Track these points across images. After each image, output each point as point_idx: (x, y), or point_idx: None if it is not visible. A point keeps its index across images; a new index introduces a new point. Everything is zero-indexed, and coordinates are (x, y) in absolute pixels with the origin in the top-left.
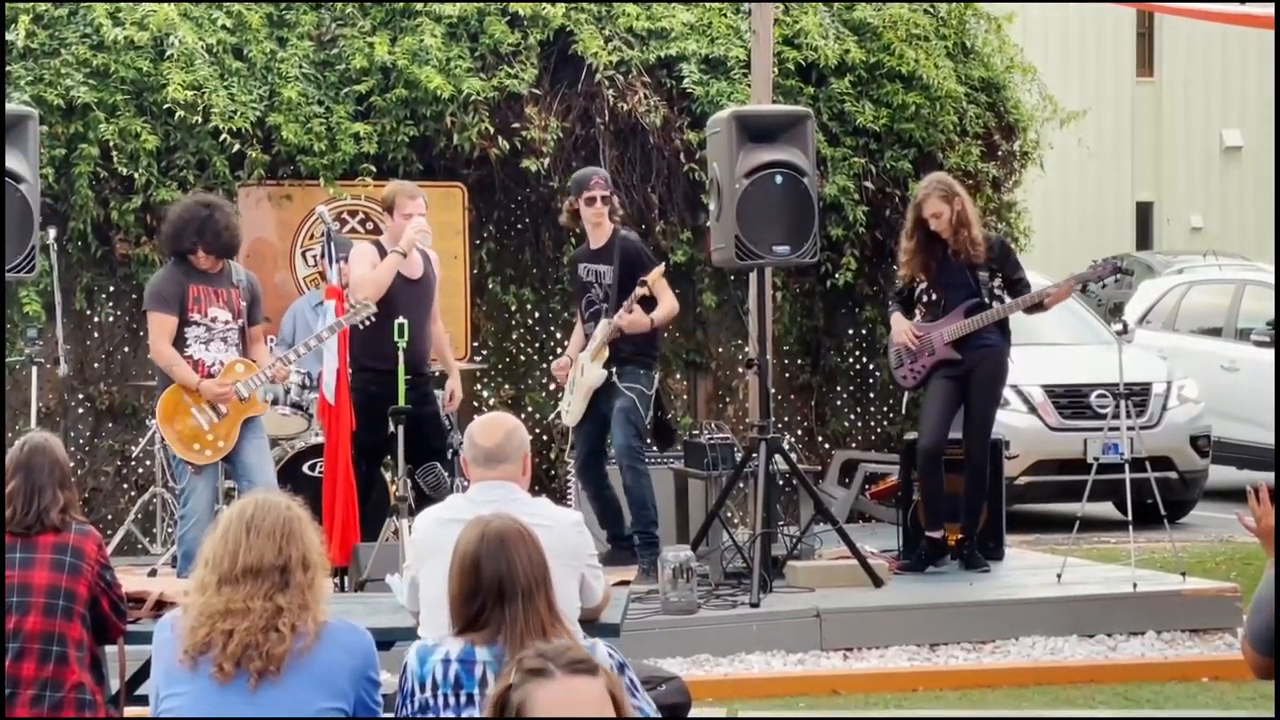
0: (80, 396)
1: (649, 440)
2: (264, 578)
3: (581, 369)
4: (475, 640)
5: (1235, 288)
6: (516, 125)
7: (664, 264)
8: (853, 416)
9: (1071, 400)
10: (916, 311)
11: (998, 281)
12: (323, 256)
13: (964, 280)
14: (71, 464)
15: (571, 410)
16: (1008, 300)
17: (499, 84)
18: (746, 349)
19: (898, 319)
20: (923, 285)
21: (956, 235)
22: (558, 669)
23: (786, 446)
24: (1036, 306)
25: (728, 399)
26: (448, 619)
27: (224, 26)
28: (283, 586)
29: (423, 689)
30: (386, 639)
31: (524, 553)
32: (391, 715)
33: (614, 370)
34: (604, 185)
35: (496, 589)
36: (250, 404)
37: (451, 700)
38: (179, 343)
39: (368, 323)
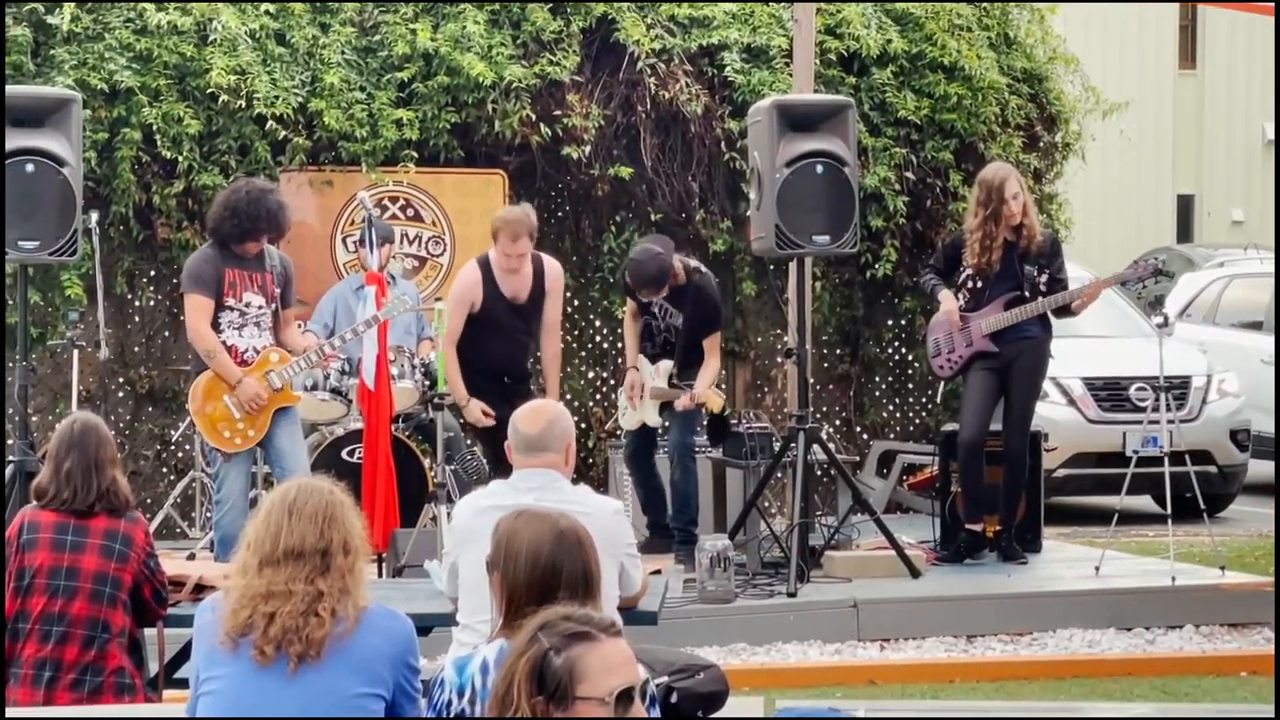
0: (120, 380)
1: (701, 431)
2: (305, 561)
3: (641, 393)
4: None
5: (1276, 282)
6: (558, 112)
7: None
8: (891, 407)
9: (1111, 393)
10: (960, 296)
11: (1044, 276)
12: (362, 243)
13: (1011, 271)
14: None
15: (627, 420)
16: (1044, 297)
17: (540, 71)
18: (785, 338)
19: (948, 297)
20: (969, 270)
21: (1024, 222)
22: (599, 631)
23: (825, 437)
24: (1065, 310)
25: (766, 388)
26: (486, 604)
27: (267, 12)
28: (324, 570)
29: (460, 698)
30: (425, 624)
31: (595, 556)
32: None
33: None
34: (656, 288)
35: (572, 588)
36: (283, 394)
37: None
38: (213, 327)
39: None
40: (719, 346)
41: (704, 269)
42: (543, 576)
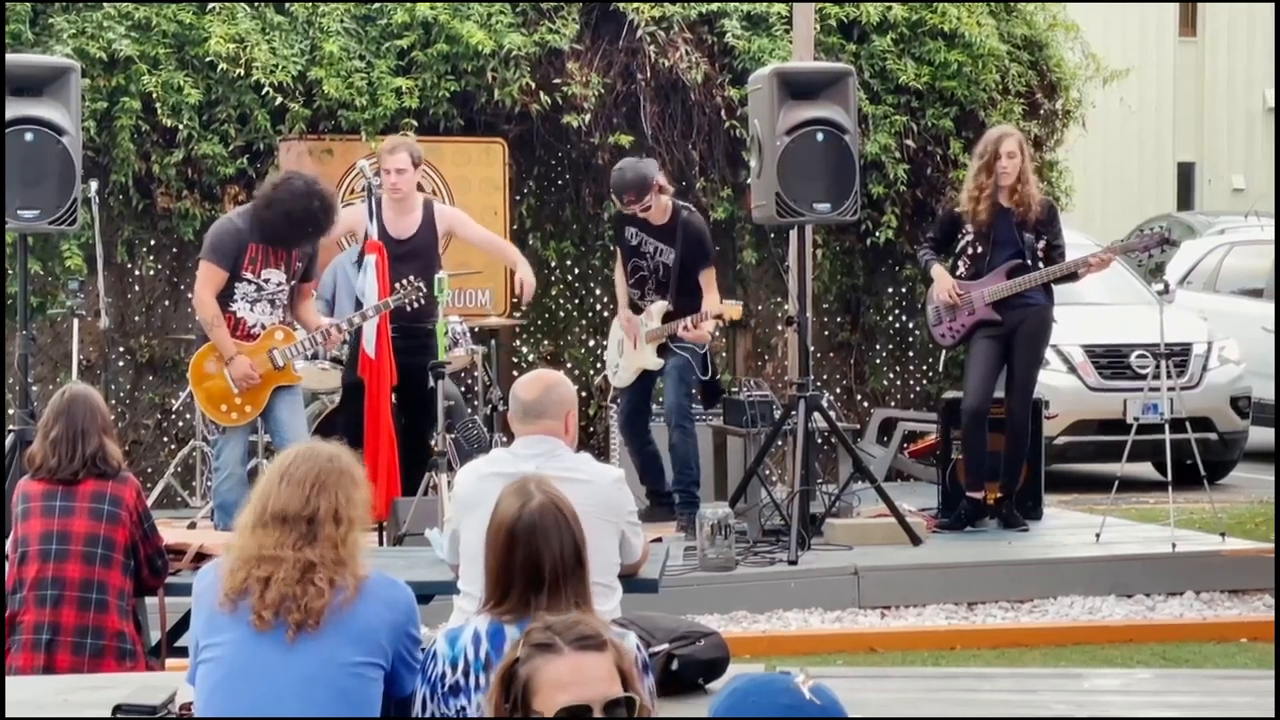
0: (121, 349)
1: (696, 396)
2: (290, 527)
3: (635, 343)
4: (503, 619)
5: (1276, 250)
6: (557, 81)
7: (714, 265)
8: (892, 375)
9: (1111, 360)
10: (960, 263)
11: (1042, 244)
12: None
13: (1011, 238)
14: (112, 417)
15: (620, 375)
16: (1046, 266)
17: (540, 39)
18: (786, 306)
19: (940, 273)
20: (969, 237)
21: (1018, 189)
22: (565, 644)
23: (825, 404)
24: (1070, 276)
25: (767, 356)
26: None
27: None
28: (310, 539)
29: (454, 670)
30: (425, 593)
31: (556, 541)
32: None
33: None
34: (637, 194)
35: (525, 576)
36: (284, 373)
37: (482, 680)
38: (226, 296)
39: (417, 304)
40: (714, 281)
41: (691, 208)
42: (500, 556)
